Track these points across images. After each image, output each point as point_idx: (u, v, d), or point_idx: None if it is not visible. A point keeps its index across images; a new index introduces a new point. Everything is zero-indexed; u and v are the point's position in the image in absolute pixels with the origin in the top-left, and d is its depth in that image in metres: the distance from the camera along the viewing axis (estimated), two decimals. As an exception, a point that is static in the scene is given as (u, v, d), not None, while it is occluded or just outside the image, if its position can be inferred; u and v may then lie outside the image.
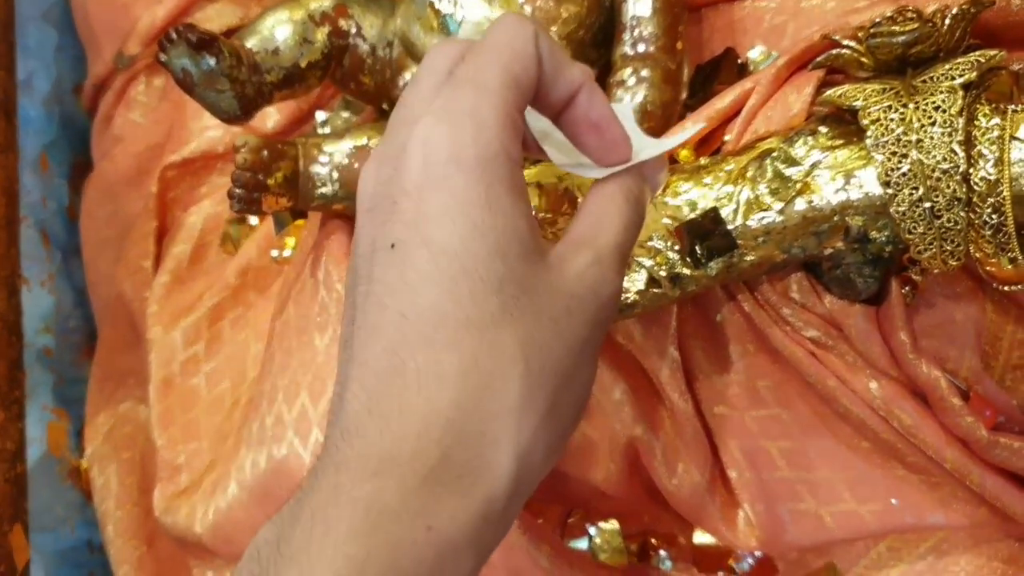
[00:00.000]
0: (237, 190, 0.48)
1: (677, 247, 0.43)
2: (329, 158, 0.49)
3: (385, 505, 0.27)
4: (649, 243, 0.43)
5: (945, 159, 0.39)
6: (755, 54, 0.52)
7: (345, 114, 0.62)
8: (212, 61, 0.47)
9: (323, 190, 0.50)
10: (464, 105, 0.30)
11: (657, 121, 0.49)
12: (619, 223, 0.33)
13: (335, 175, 0.49)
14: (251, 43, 0.50)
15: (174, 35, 0.47)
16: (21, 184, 0.68)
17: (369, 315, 0.30)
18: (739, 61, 0.53)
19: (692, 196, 0.43)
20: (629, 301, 0.44)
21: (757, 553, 0.50)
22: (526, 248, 0.30)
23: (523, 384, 0.29)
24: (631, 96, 0.49)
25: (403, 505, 0.27)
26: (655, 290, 0.43)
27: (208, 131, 0.65)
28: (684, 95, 0.51)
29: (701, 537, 0.51)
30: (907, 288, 0.45)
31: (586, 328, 0.31)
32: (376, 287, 0.30)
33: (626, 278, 0.43)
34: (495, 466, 0.28)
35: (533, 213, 0.32)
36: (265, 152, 0.48)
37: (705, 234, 0.43)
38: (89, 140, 0.78)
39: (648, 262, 0.43)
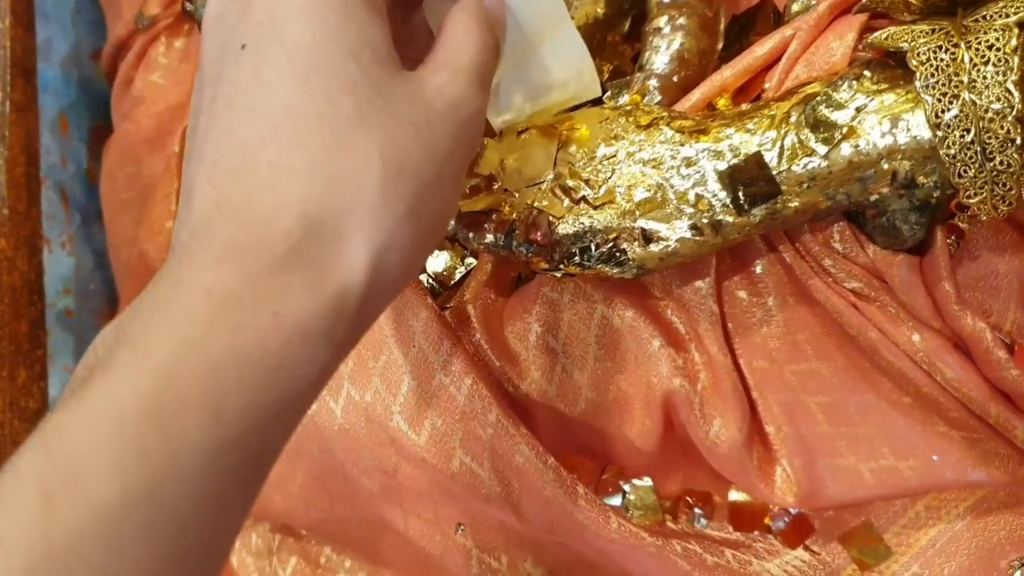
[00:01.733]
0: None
1: (720, 193, 0.42)
2: None
3: (228, 291, 0.26)
4: (692, 190, 0.42)
5: (999, 99, 0.38)
6: (794, 6, 0.51)
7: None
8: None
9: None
10: None
11: (694, 69, 0.48)
12: (473, 45, 0.33)
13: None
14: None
15: (201, -17, 0.46)
16: (41, 145, 0.68)
17: (218, 117, 0.29)
18: (776, 12, 0.52)
19: (735, 141, 0.42)
20: (670, 250, 0.43)
21: (793, 511, 0.49)
22: (381, 57, 0.30)
23: (380, 183, 0.29)
24: (667, 43, 0.48)
25: (246, 291, 0.27)
26: (697, 238, 0.43)
27: (230, 90, 0.64)
28: (720, 44, 0.50)
29: (736, 495, 0.50)
30: (952, 237, 0.44)
31: (448, 141, 0.31)
32: (225, 88, 0.29)
33: (667, 225, 0.43)
34: (348, 261, 0.28)
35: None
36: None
37: (748, 180, 0.42)
38: (107, 105, 0.77)
39: (690, 209, 0.42)
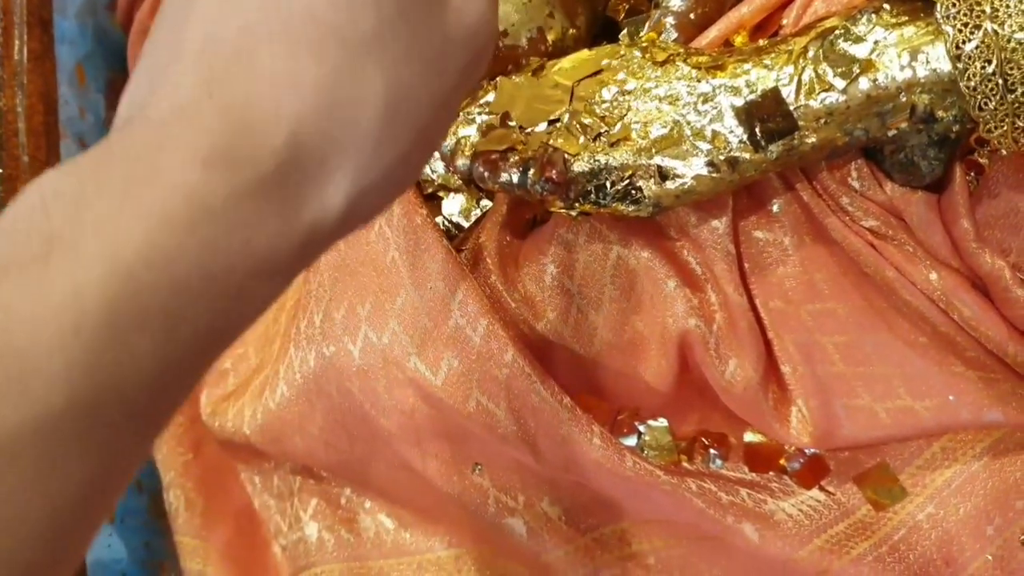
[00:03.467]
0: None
1: (737, 129, 0.42)
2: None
3: (210, 204, 0.24)
4: (709, 127, 0.42)
5: (1022, 28, 0.37)
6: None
7: None
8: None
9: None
10: None
11: (710, 6, 0.48)
12: None
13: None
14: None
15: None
16: (59, 96, 0.68)
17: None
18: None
19: (752, 77, 0.42)
20: (686, 187, 0.43)
21: (809, 452, 0.49)
22: None
23: (377, 122, 0.27)
24: (685, -19, 0.48)
25: (226, 208, 0.24)
26: (713, 175, 0.42)
27: (246, 37, 0.64)
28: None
29: (752, 436, 0.50)
30: (971, 174, 0.44)
31: (456, 77, 0.29)
32: None
33: (683, 162, 0.42)
34: (326, 198, 0.26)
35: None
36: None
37: (765, 115, 0.41)
38: (124, 56, 0.77)
39: (706, 146, 0.42)
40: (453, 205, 0.52)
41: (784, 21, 0.46)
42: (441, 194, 0.52)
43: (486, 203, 0.52)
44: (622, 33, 0.49)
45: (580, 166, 0.43)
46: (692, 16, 0.48)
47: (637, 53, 0.44)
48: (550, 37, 0.48)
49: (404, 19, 0.27)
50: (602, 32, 0.52)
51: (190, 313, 0.24)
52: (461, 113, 0.46)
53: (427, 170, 0.51)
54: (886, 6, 0.41)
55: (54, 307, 0.22)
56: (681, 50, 0.44)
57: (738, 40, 0.46)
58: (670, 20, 0.48)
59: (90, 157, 0.25)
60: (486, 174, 0.44)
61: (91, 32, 0.78)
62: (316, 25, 0.26)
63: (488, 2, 0.30)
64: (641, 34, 0.48)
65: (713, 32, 0.47)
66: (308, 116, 0.26)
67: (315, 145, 0.26)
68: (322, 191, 0.26)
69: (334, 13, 0.26)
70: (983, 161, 0.43)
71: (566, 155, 0.43)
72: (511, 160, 0.44)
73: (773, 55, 0.42)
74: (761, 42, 0.44)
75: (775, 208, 0.46)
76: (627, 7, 0.51)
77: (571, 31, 0.49)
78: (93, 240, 0.23)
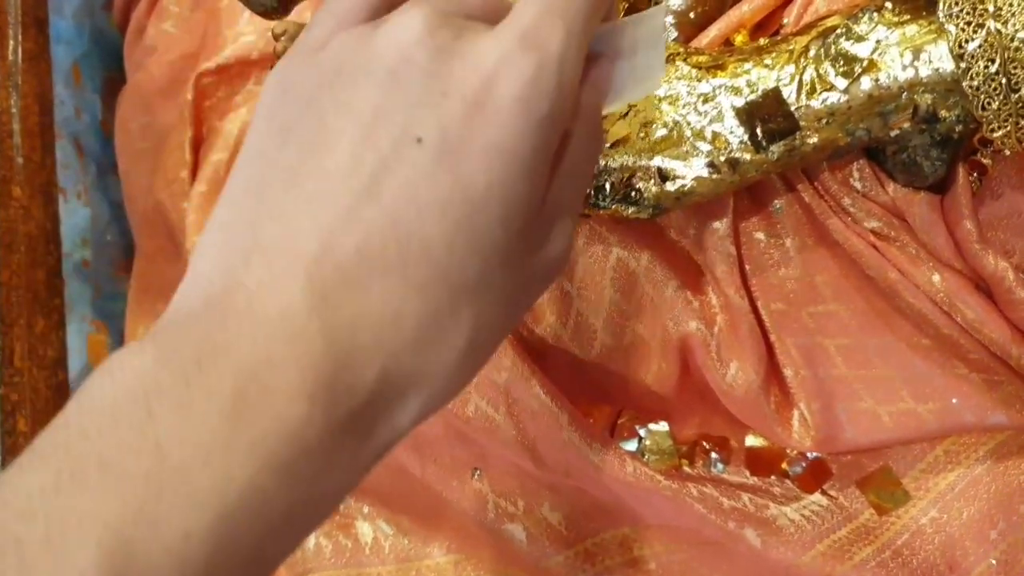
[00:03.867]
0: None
1: (737, 130, 0.41)
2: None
3: (307, 440, 0.24)
4: (709, 127, 0.42)
5: (1025, 27, 0.37)
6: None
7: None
8: (250, -48, 0.46)
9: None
10: (554, 44, 0.27)
11: (710, 5, 0.48)
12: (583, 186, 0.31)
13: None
14: (288, -67, 0.49)
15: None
16: (55, 96, 0.68)
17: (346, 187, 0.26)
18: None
19: (752, 77, 0.41)
20: (686, 188, 0.42)
21: (811, 455, 0.49)
22: (528, 220, 0.28)
23: (459, 358, 0.27)
24: (685, -20, 0.48)
25: (321, 444, 0.25)
26: (714, 176, 0.42)
27: (243, 37, 0.64)
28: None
29: (753, 440, 0.50)
30: (974, 175, 0.43)
31: (532, 300, 0.30)
32: (380, 173, 0.26)
33: (683, 163, 0.42)
34: (397, 423, 0.27)
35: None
36: (305, 40, 0.47)
37: (766, 116, 0.41)
38: (120, 56, 0.77)
39: (706, 147, 0.42)
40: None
41: (785, 20, 0.46)
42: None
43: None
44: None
45: (579, 167, 0.43)
46: (692, 15, 0.47)
47: (637, 53, 0.44)
48: (548, 37, 0.48)
49: (503, 267, 0.27)
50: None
51: (270, 549, 0.25)
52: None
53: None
54: (888, 4, 0.41)
55: (164, 549, 0.23)
56: (681, 49, 0.44)
57: (738, 39, 0.46)
58: (670, 19, 0.47)
59: (185, 336, 0.24)
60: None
61: (88, 32, 0.78)
62: (429, 265, 0.26)
63: (570, 237, 0.30)
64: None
65: (713, 31, 0.46)
66: (402, 352, 0.26)
67: (401, 378, 0.26)
68: (395, 418, 0.27)
69: (447, 256, 0.26)
70: (986, 161, 0.43)
71: (565, 156, 0.43)
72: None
73: (774, 54, 0.42)
74: (762, 41, 0.44)
75: (776, 209, 0.46)
76: (626, 6, 0.50)
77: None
78: (203, 475, 0.23)
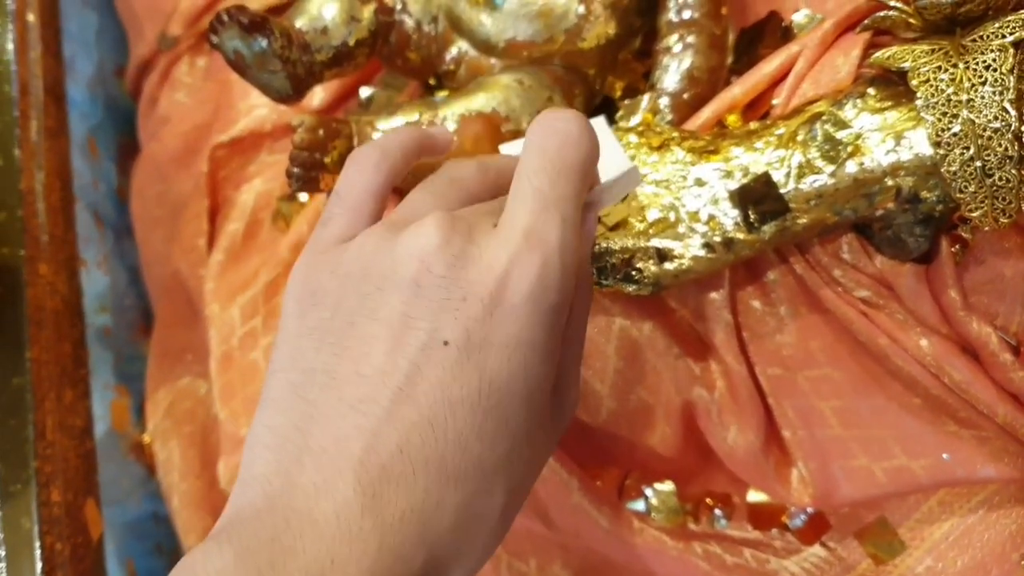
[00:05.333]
0: (295, 169, 0.49)
1: (731, 212, 0.44)
2: (382, 135, 0.50)
3: None
4: (704, 210, 0.44)
5: (996, 118, 0.39)
6: (799, 17, 0.52)
7: (388, 90, 0.63)
8: (264, 43, 0.48)
9: (377, 166, 0.50)
10: (554, 236, 0.30)
11: (704, 86, 0.50)
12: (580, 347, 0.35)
13: (389, 151, 0.50)
14: (300, 23, 0.51)
15: (225, 17, 0.48)
16: (72, 168, 0.70)
17: (380, 403, 0.28)
18: (783, 25, 0.53)
19: (744, 161, 0.44)
20: (684, 267, 0.45)
21: (810, 509, 0.51)
22: (547, 396, 0.30)
23: (493, 530, 0.29)
24: (677, 63, 0.50)
25: None
26: (709, 255, 0.44)
27: (256, 110, 0.66)
28: (729, 60, 0.52)
29: (755, 495, 0.52)
30: (956, 246, 0.46)
31: (555, 445, 0.32)
32: (399, 379, 0.28)
33: (680, 244, 0.44)
34: None
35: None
36: (321, 131, 0.49)
37: (758, 199, 0.43)
38: (133, 120, 0.79)
39: (702, 228, 0.44)
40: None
41: (775, 101, 0.48)
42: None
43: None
44: (619, 114, 0.51)
45: (582, 249, 0.45)
46: (686, 96, 0.50)
47: (633, 138, 0.46)
48: (550, 119, 0.50)
49: (529, 437, 0.30)
50: (600, 107, 0.54)
51: None
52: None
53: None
54: (871, 91, 0.43)
55: None
56: (675, 134, 0.46)
57: (731, 119, 0.48)
58: (665, 101, 0.50)
59: (256, 536, 0.27)
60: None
61: (101, 101, 0.80)
62: (464, 455, 0.28)
63: (579, 380, 0.33)
64: (638, 115, 0.50)
65: (707, 112, 0.48)
66: (444, 536, 0.28)
67: (445, 558, 0.28)
68: None
69: (479, 443, 0.28)
70: (967, 236, 0.45)
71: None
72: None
73: (764, 139, 0.44)
74: (752, 125, 0.46)
75: (771, 279, 0.48)
76: (623, 86, 0.53)
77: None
78: None
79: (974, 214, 0.41)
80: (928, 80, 0.41)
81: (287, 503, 0.27)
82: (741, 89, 0.48)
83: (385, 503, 0.27)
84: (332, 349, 0.29)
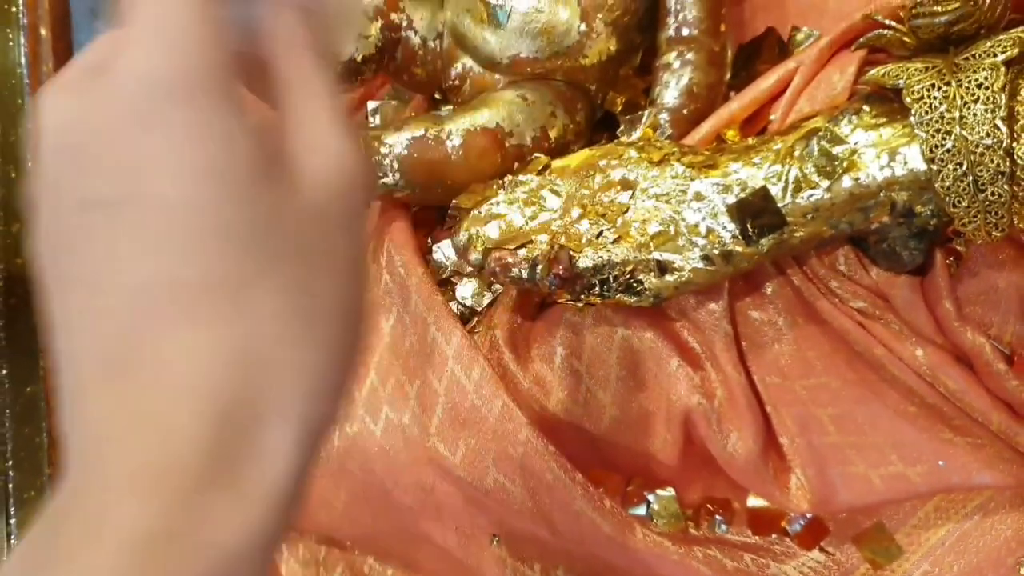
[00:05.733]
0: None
1: (729, 225, 0.45)
2: (390, 149, 0.51)
3: (149, 531, 0.22)
4: (703, 223, 0.45)
5: (988, 135, 0.40)
6: (797, 34, 0.53)
7: (394, 103, 0.64)
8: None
9: (385, 180, 0.52)
10: (162, 20, 0.24)
11: (703, 102, 0.51)
12: (322, 89, 0.28)
13: (396, 165, 0.51)
14: (309, 40, 0.52)
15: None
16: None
17: (78, 296, 0.24)
18: (781, 41, 0.54)
19: (742, 175, 0.45)
20: (684, 279, 0.46)
21: (809, 515, 0.52)
22: (260, 175, 0.25)
23: (291, 341, 0.25)
24: (677, 79, 0.51)
25: (170, 527, 0.22)
26: (709, 267, 0.45)
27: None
28: (728, 76, 0.53)
29: (755, 501, 0.53)
30: (951, 259, 0.47)
31: (343, 238, 0.26)
32: (86, 261, 0.24)
33: (680, 256, 0.45)
34: (272, 451, 0.24)
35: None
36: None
37: (756, 212, 0.44)
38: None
39: (702, 241, 0.45)
40: (466, 289, 0.55)
41: (772, 116, 0.49)
42: (454, 279, 0.55)
43: (497, 287, 0.55)
44: (620, 129, 0.52)
45: (585, 262, 0.46)
46: (685, 112, 0.51)
47: (634, 153, 0.47)
48: (552, 134, 0.51)
49: (272, 230, 0.25)
50: (602, 121, 0.55)
51: None
52: (473, 210, 0.49)
53: (441, 256, 0.54)
54: (866, 107, 0.44)
55: None
56: (675, 149, 0.47)
57: (729, 134, 0.49)
58: (664, 116, 0.51)
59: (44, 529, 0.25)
60: (497, 270, 0.47)
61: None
62: (191, 292, 0.24)
63: (341, 152, 0.27)
64: (638, 130, 0.51)
65: (706, 127, 0.50)
66: (222, 387, 0.24)
67: (237, 407, 0.24)
68: (265, 446, 0.24)
69: (203, 270, 0.24)
70: (961, 248, 0.46)
71: (571, 252, 0.46)
72: (520, 257, 0.47)
73: (762, 154, 0.45)
74: (750, 140, 0.47)
75: (769, 291, 0.49)
76: (624, 101, 0.54)
77: (571, 126, 0.52)
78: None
79: (967, 228, 0.42)
80: (922, 97, 0.42)
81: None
82: (739, 104, 0.49)
83: (125, 401, 0.24)
84: None
